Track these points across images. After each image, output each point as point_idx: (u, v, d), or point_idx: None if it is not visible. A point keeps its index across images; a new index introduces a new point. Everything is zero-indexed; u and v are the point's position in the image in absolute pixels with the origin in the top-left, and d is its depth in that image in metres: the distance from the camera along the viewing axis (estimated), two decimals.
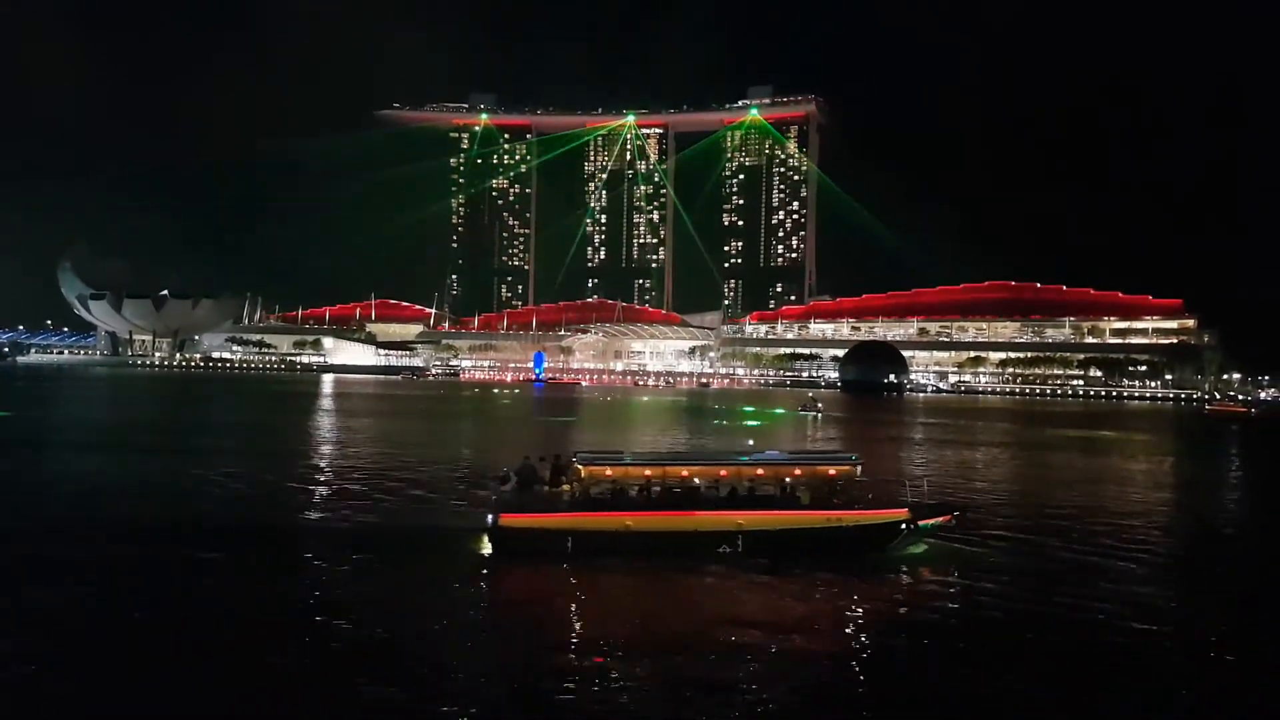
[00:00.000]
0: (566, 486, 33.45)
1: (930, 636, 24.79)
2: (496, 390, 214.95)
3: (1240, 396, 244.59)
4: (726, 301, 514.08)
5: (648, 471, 33.48)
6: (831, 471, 34.58)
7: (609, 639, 23.61)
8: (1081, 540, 37.72)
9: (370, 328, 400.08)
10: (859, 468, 35.25)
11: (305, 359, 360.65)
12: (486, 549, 32.38)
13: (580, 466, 33.20)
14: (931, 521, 34.89)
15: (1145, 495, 54.79)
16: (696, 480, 33.66)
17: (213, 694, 20.19)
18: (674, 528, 31.94)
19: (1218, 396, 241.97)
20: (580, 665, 21.83)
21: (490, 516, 32.58)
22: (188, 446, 66.95)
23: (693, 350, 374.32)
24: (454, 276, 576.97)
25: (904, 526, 33.88)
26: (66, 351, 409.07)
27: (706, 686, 20.61)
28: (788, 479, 33.83)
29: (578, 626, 25.38)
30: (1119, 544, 37.36)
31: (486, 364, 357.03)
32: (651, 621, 25.48)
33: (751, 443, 45.91)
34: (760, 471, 33.86)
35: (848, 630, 25.77)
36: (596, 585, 29.05)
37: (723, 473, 33.95)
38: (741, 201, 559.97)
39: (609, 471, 33.26)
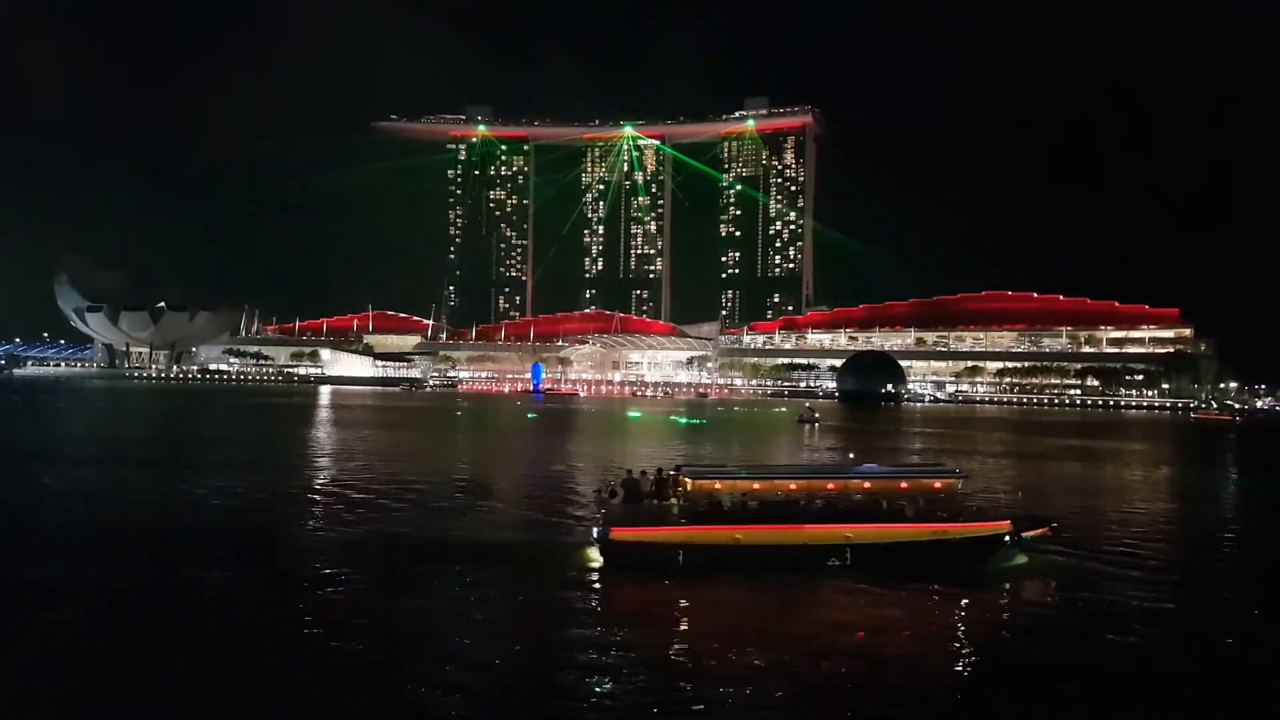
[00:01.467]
0: (673, 500, 33.42)
1: (1039, 650, 24.93)
2: (517, 403, 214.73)
3: (1226, 405, 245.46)
4: (724, 312, 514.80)
5: (755, 485, 33.67)
6: (936, 484, 34.79)
7: (726, 652, 23.78)
8: (1156, 555, 38.00)
9: (368, 339, 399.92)
10: (961, 481, 35.47)
11: (303, 370, 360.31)
12: (595, 562, 32.49)
13: (687, 480, 33.31)
14: (1032, 534, 35.11)
15: (1183, 508, 55.13)
16: (799, 493, 33.74)
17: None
18: (783, 541, 32.05)
19: (1204, 405, 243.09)
20: (704, 677, 22.03)
21: (597, 530, 32.88)
22: (283, 464, 66.81)
23: (690, 361, 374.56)
24: (451, 287, 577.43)
25: (1007, 539, 34.06)
26: (63, 364, 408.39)
27: (821, 699, 20.85)
28: (894, 492, 34.06)
29: (696, 640, 25.47)
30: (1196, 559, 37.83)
31: (484, 375, 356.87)
32: (766, 635, 25.58)
33: (852, 456, 46.09)
34: (867, 485, 34.08)
35: (959, 645, 25.82)
36: (710, 598, 29.23)
37: (829, 486, 34.09)
38: (739, 212, 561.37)
39: (718, 485, 33.44)
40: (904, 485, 34.42)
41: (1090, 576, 33.24)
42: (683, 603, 28.74)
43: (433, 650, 23.63)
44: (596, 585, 30.49)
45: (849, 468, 36.31)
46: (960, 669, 23.66)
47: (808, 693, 21.33)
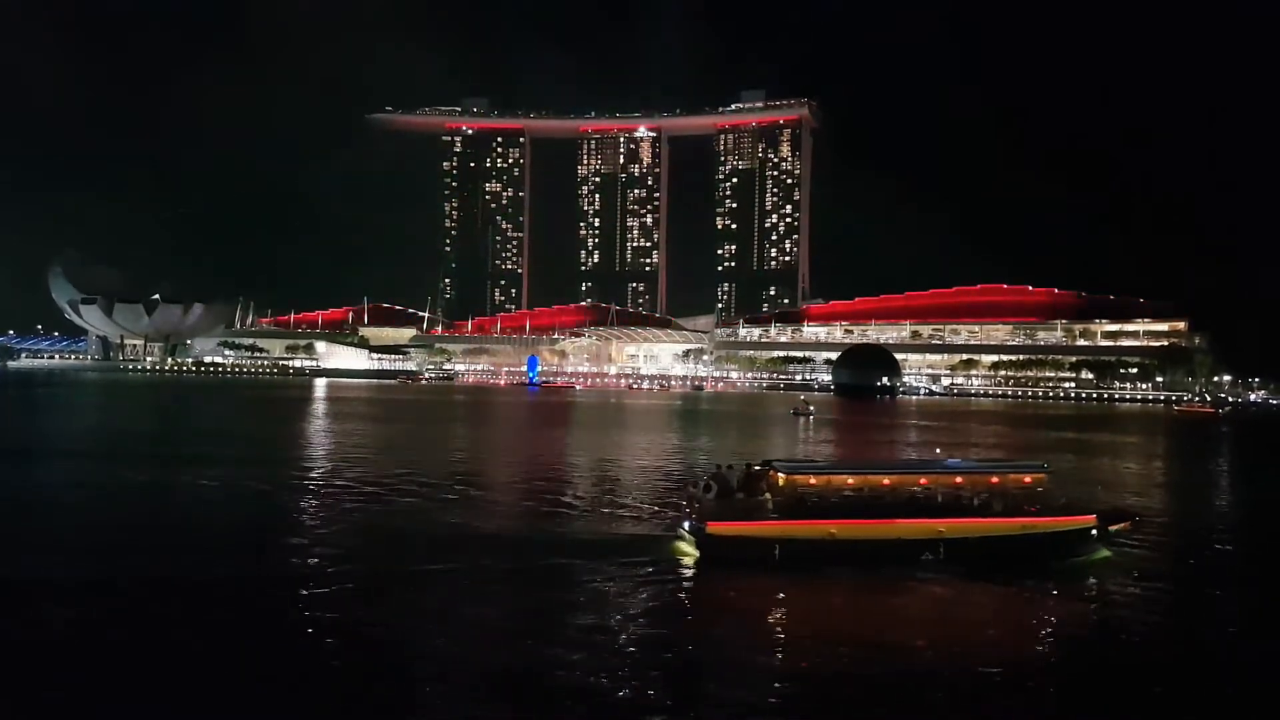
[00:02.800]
0: (768, 495, 33.57)
1: (1129, 648, 25.21)
2: (520, 395, 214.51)
3: (1208, 398, 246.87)
4: (720, 305, 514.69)
5: (850, 480, 34.00)
6: (1026, 479, 35.00)
7: (820, 648, 24.00)
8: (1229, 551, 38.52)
9: (363, 331, 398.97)
10: (1049, 475, 35.76)
11: (298, 363, 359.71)
12: (688, 557, 32.69)
13: (781, 475, 33.55)
14: (1116, 527, 35.51)
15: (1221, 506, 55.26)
16: (896, 488, 33.99)
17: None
18: (878, 535, 32.30)
19: (1187, 399, 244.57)
20: (798, 673, 22.25)
21: (689, 524, 33.23)
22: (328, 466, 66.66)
23: (686, 353, 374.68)
24: (447, 280, 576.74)
25: (1093, 532, 34.46)
26: (57, 357, 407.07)
27: (913, 694, 21.05)
28: (985, 487, 34.33)
29: (791, 634, 25.70)
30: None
31: (480, 368, 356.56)
32: (860, 631, 25.79)
33: (939, 451, 46.43)
34: (959, 479, 34.38)
35: (1048, 642, 26.04)
36: (805, 593, 29.56)
37: (923, 480, 34.30)
38: (735, 205, 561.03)
39: (812, 480, 33.72)
40: (994, 480, 34.68)
41: (1172, 572, 33.87)
42: (779, 596, 29.03)
43: (545, 644, 23.77)
44: (694, 579, 30.78)
45: (937, 462, 36.67)
46: (1050, 666, 23.84)
47: (900, 688, 21.47)
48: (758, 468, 35.18)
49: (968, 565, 31.63)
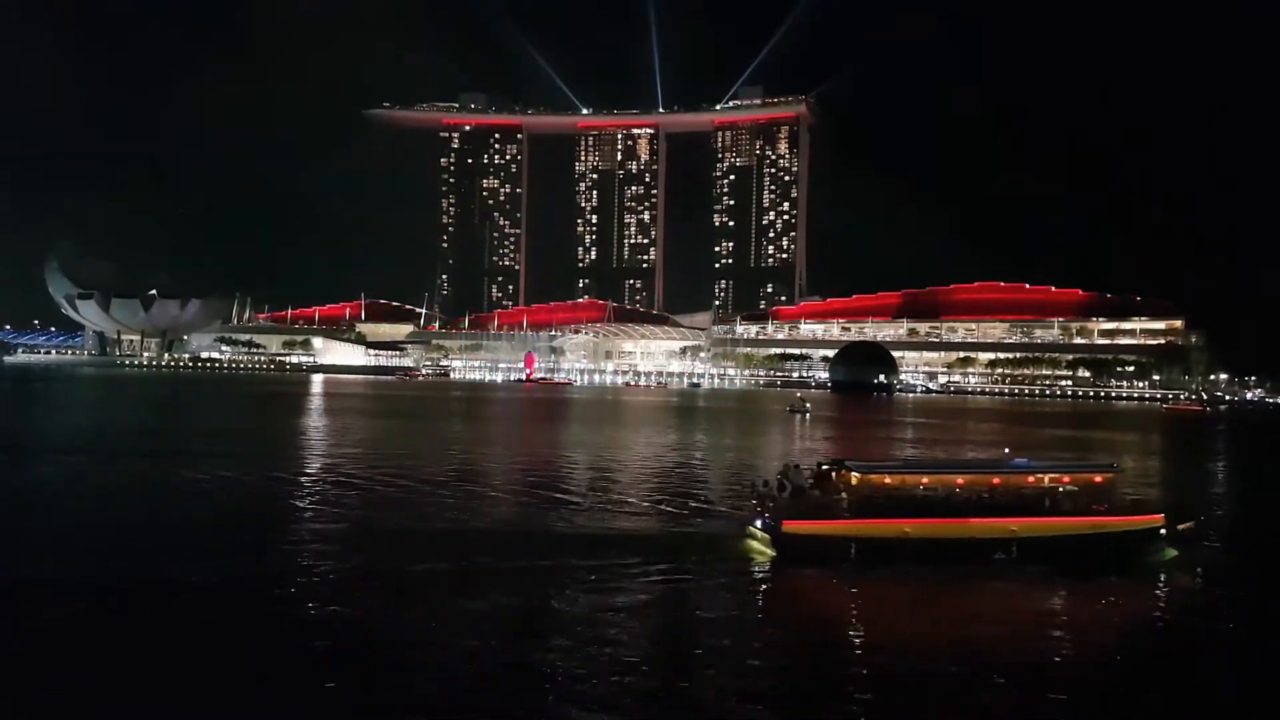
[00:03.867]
0: (843, 494, 33.75)
1: (1200, 648, 25.43)
2: (523, 390, 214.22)
3: (1195, 397, 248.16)
4: (717, 302, 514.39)
5: (925, 479, 34.39)
6: (1097, 478, 35.36)
7: (898, 646, 24.33)
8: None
9: (360, 328, 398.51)
10: (1118, 475, 36.09)
11: (295, 359, 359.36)
12: (758, 553, 33.00)
13: (855, 474, 33.78)
14: (1183, 526, 35.75)
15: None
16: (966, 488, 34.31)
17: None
18: (951, 534, 32.67)
19: (1175, 397, 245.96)
20: (879, 670, 22.45)
21: (762, 522, 33.55)
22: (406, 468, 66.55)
23: (684, 351, 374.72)
24: (444, 276, 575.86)
25: (1161, 531, 34.71)
26: (54, 352, 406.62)
27: (984, 693, 21.13)
28: (1059, 487, 34.56)
29: (867, 632, 26.00)
30: None
31: (477, 364, 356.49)
32: (935, 630, 26.04)
33: (1007, 450, 46.77)
34: (1031, 479, 34.69)
35: (1120, 642, 26.27)
36: (881, 591, 29.89)
37: (995, 480, 34.57)
38: (732, 202, 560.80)
39: (888, 479, 33.98)
40: (1066, 479, 34.94)
41: (1237, 572, 34.22)
42: (854, 593, 29.31)
43: (630, 641, 23.92)
44: (775, 577, 31.06)
45: (1005, 462, 37.07)
46: (1123, 666, 24.04)
47: (971, 687, 21.60)
48: (826, 466, 35.56)
49: (1040, 564, 31.97)
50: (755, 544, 33.59)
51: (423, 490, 47.65)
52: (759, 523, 33.74)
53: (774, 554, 32.38)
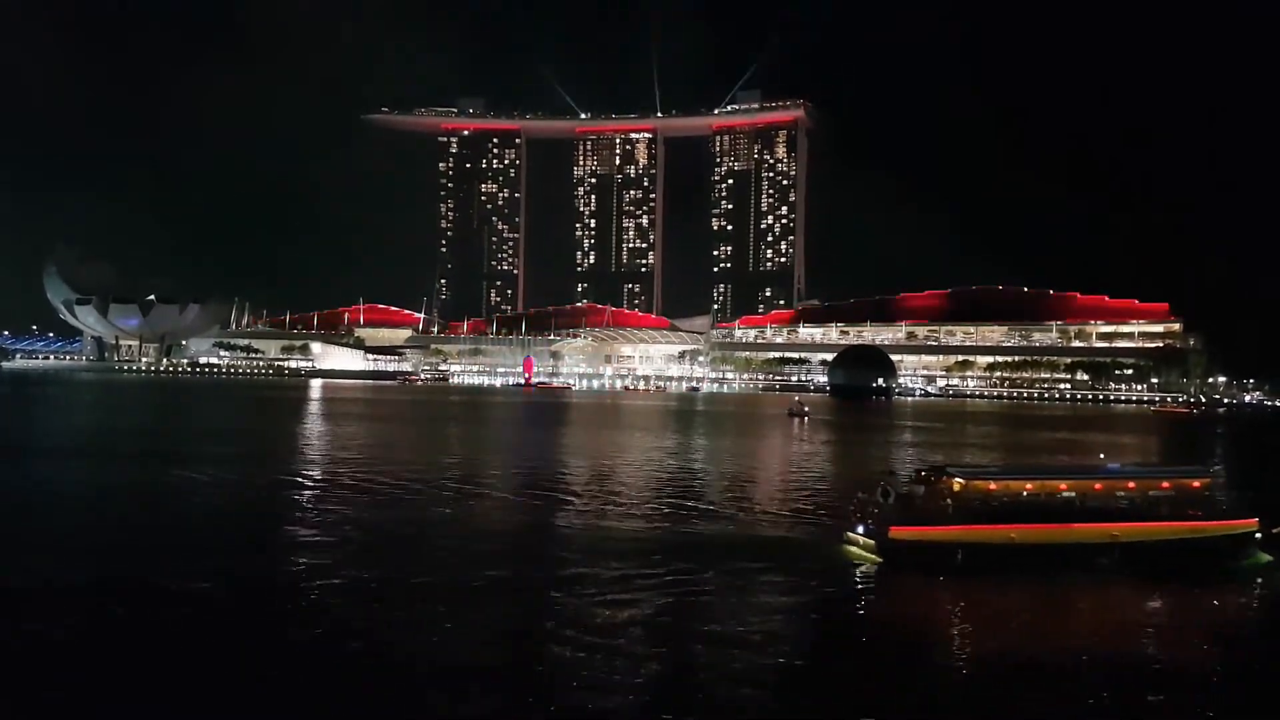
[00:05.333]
0: (948, 500, 33.94)
1: None
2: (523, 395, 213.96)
3: (1184, 399, 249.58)
4: (716, 306, 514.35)
5: (1028, 485, 34.57)
6: (1195, 483, 35.60)
7: (1019, 651, 24.53)
8: None
9: (359, 332, 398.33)
10: (1213, 480, 36.61)
11: (293, 364, 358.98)
12: (863, 559, 33.22)
13: (958, 480, 34.02)
14: (1278, 530, 35.96)
15: None
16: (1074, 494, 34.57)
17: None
18: (1055, 540, 33.00)
19: (1168, 399, 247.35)
20: (998, 675, 22.75)
21: (864, 528, 33.87)
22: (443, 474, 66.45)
23: (682, 354, 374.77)
24: (443, 281, 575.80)
25: (1257, 535, 35.02)
26: (52, 357, 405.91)
27: (1088, 698, 21.24)
28: (1157, 492, 34.85)
29: (977, 637, 26.28)
30: None
31: (476, 369, 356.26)
32: (1044, 635, 26.29)
33: (1103, 456, 47.02)
34: (1131, 485, 35.04)
35: (1225, 646, 26.19)
36: (988, 597, 30.07)
37: (1097, 486, 34.88)
38: (731, 206, 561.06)
39: (993, 486, 34.18)
40: (1165, 484, 35.20)
41: None
42: (962, 601, 29.47)
43: (740, 645, 24.04)
44: (878, 582, 31.30)
45: (1101, 467, 37.55)
46: (1224, 668, 24.03)
47: (1075, 688, 21.84)
48: (925, 473, 35.85)
49: (1140, 568, 32.35)
50: (856, 550, 33.95)
51: (474, 495, 47.61)
52: (860, 529, 34.10)
53: (879, 559, 32.66)
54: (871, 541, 33.22)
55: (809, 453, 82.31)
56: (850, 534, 34.79)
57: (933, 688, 21.93)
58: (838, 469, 67.62)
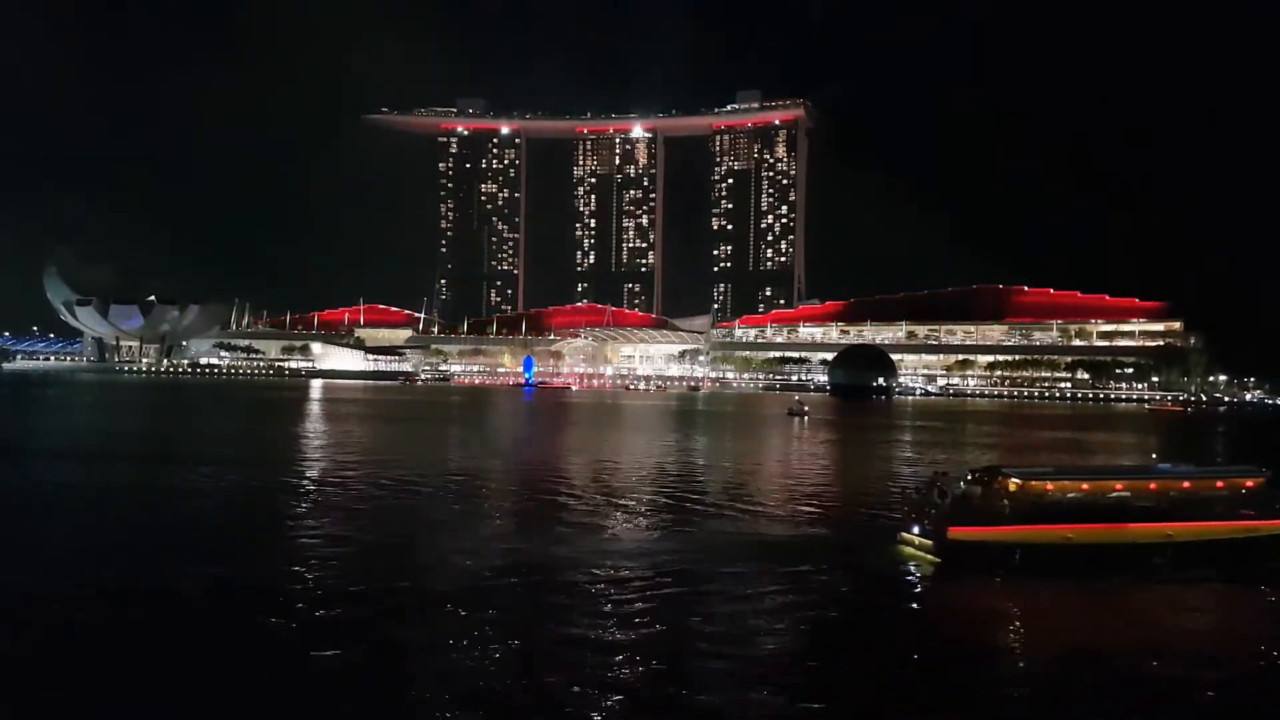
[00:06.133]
0: (1005, 501, 34.05)
1: None
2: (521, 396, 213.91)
3: (1178, 398, 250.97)
4: (716, 305, 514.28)
5: (1085, 485, 34.90)
6: (1249, 483, 35.81)
7: (1070, 652, 24.66)
8: None
9: (359, 333, 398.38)
10: (1267, 479, 36.39)
11: (294, 364, 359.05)
12: (919, 559, 33.38)
13: (1014, 480, 34.22)
14: None
15: None
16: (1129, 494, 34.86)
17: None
18: (1111, 540, 33.32)
19: (1168, 398, 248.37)
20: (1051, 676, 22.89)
21: (920, 528, 34.05)
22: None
23: (682, 354, 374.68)
24: (443, 281, 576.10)
25: None
26: (53, 358, 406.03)
27: (1150, 699, 21.39)
28: (1211, 492, 35.14)
29: (1034, 638, 26.53)
30: None
31: (476, 369, 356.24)
32: (1100, 634, 26.39)
33: (1155, 456, 47.12)
34: (1186, 485, 35.22)
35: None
36: (1046, 596, 30.26)
37: (1152, 486, 35.13)
38: (731, 205, 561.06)
39: (1049, 486, 34.38)
40: (1219, 484, 35.45)
41: None
42: (1021, 600, 29.64)
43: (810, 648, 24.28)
44: (933, 582, 31.43)
45: (1154, 467, 37.79)
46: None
47: (1135, 687, 22.00)
48: (975, 474, 36.04)
49: (1195, 567, 32.52)
50: (912, 550, 34.09)
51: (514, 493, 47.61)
52: (916, 529, 34.25)
53: (937, 560, 32.80)
54: (929, 542, 33.43)
55: (831, 453, 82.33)
56: (905, 534, 35.00)
57: (1032, 682, 22.42)
58: (864, 469, 67.52)
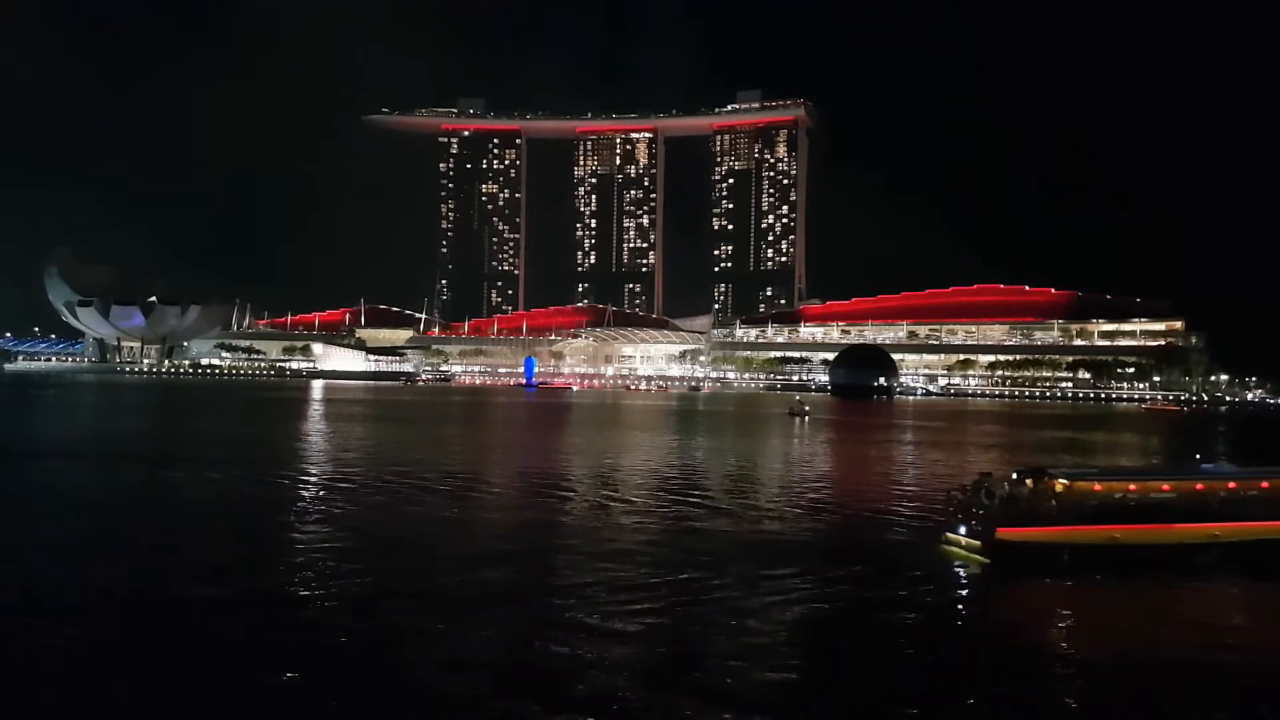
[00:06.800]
0: (1053, 501, 34.21)
1: None
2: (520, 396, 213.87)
3: (1173, 397, 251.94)
4: (716, 305, 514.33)
5: (1132, 486, 35.12)
6: None
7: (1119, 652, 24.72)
8: None
9: (360, 333, 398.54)
10: None
11: (295, 365, 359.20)
12: (966, 559, 33.53)
13: (1061, 481, 34.41)
14: None
15: None
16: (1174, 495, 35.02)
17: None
18: (1158, 539, 33.55)
19: (1168, 398, 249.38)
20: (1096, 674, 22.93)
21: (964, 529, 34.26)
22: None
23: (683, 354, 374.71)
24: (444, 281, 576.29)
25: None
26: (54, 359, 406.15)
27: (1202, 700, 21.44)
28: (1256, 492, 35.23)
29: (1084, 638, 26.56)
30: None
31: (477, 369, 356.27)
32: (1155, 633, 26.64)
33: (1199, 456, 47.30)
34: (1232, 485, 35.47)
35: None
36: (1094, 596, 30.48)
37: (1198, 486, 35.35)
38: (731, 205, 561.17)
39: (1097, 486, 34.59)
40: (1264, 484, 35.53)
41: None
42: (1070, 601, 29.87)
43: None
44: (990, 581, 31.55)
45: (1198, 468, 38.06)
46: None
47: (1190, 686, 22.15)
48: (1020, 475, 36.14)
49: (1240, 568, 32.75)
50: (958, 550, 34.27)
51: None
52: (962, 529, 34.42)
53: (985, 560, 32.95)
54: (976, 542, 33.59)
55: (812, 453, 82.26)
56: (950, 535, 35.16)
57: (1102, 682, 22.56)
58: (880, 470, 67.42)
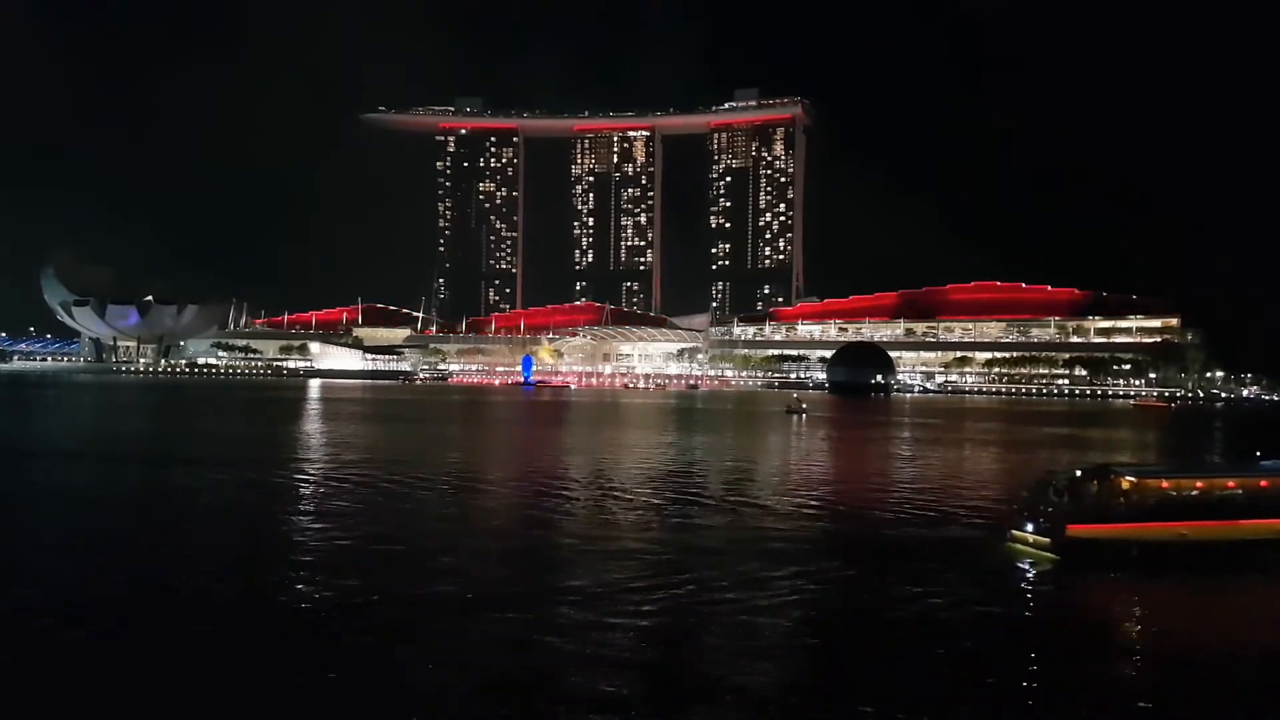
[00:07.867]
0: (1120, 498, 34.50)
1: None
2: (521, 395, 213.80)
3: (1162, 394, 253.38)
4: (714, 304, 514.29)
5: (1199, 483, 35.43)
6: None
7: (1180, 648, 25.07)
8: None
9: (357, 332, 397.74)
10: None
11: (292, 364, 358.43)
12: (1034, 556, 33.73)
13: (1128, 478, 34.80)
14: None
15: None
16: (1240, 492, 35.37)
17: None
18: (1226, 536, 33.88)
19: (1145, 394, 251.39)
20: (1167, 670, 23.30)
21: (1032, 525, 34.55)
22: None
23: (681, 352, 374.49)
24: (441, 280, 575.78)
25: None
26: (50, 359, 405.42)
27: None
28: None
29: (1154, 634, 26.86)
30: None
31: (474, 368, 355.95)
32: (1229, 630, 26.93)
33: (1259, 454, 47.71)
34: None
35: None
36: (1163, 593, 30.74)
37: (1263, 483, 35.63)
38: (729, 203, 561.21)
39: (1164, 483, 34.96)
40: None
41: None
42: (1143, 597, 30.15)
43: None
44: (1062, 578, 31.85)
45: (1262, 464, 38.44)
46: None
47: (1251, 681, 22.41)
48: (1084, 472, 36.51)
49: None
50: (1026, 547, 34.55)
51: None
52: (1030, 526, 34.70)
53: (1054, 557, 33.22)
54: (1045, 539, 33.90)
55: (812, 450, 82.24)
56: (1017, 532, 35.42)
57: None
58: (918, 470, 67.42)
